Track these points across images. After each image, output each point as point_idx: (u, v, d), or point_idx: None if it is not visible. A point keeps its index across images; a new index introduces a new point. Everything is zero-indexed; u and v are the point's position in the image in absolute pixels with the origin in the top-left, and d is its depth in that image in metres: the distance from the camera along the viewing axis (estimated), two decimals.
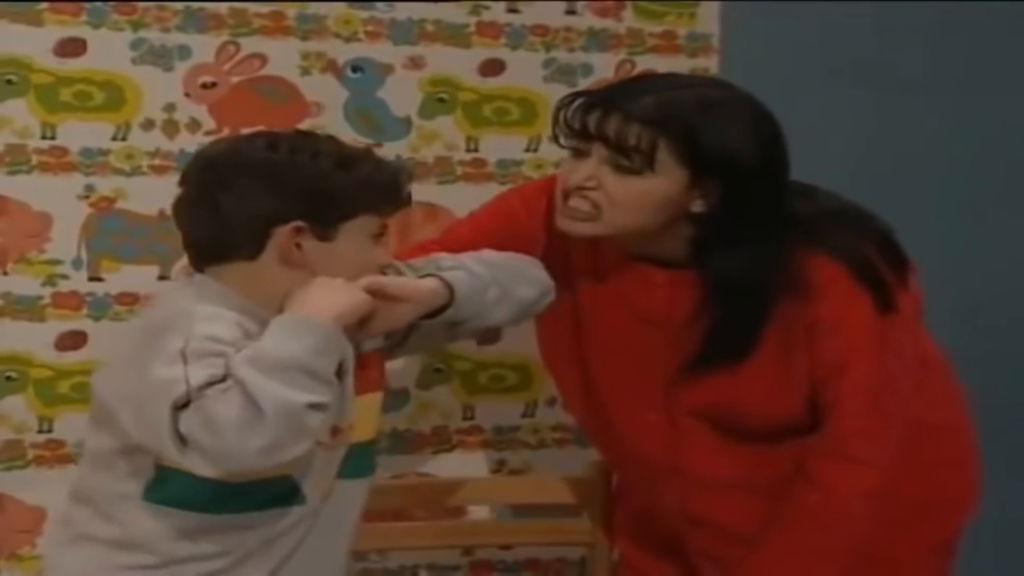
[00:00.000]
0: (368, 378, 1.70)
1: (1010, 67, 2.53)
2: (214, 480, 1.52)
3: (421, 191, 2.24)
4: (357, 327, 1.62)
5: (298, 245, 1.61)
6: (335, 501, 1.68)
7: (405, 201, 1.69)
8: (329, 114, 2.20)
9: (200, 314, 1.57)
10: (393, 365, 2.21)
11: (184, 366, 1.50)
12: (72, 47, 2.09)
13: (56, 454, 2.12)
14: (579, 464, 2.14)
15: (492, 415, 2.32)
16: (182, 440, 1.48)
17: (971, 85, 2.50)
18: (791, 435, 1.81)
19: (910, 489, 1.84)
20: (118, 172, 2.12)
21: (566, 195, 1.76)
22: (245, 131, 1.91)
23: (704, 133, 1.68)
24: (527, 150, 2.30)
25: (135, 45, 2.11)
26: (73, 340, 2.12)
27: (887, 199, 1.86)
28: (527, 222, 1.88)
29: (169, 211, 2.10)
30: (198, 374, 1.49)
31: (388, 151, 2.21)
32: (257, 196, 1.59)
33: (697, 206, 1.73)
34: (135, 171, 2.13)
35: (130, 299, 2.14)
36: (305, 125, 2.18)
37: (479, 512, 2.29)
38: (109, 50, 2.10)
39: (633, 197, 1.71)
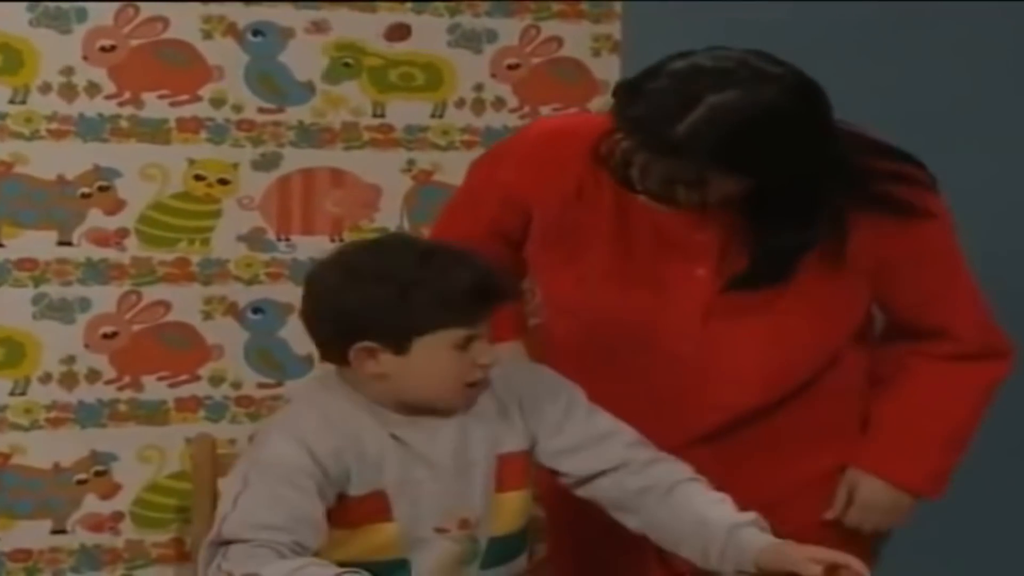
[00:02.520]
0: (511, 477, 1.77)
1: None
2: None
3: (327, 157, 2.26)
4: None
5: (372, 360, 1.70)
6: None
7: (480, 313, 1.71)
8: (230, 78, 2.18)
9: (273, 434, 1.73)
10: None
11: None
12: None
13: None
14: None
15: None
16: None
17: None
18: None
19: (802, 414, 1.89)
20: (17, 136, 2.10)
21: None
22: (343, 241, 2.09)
23: (742, 153, 1.66)
24: (433, 115, 2.30)
25: (32, 7, 2.08)
26: None
27: None
28: (529, 192, 1.89)
29: (69, 176, 2.13)
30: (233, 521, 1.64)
31: (291, 116, 2.22)
32: (331, 320, 1.72)
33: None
34: (34, 135, 2.11)
35: (30, 264, 2.12)
36: (207, 90, 2.17)
37: None
38: (6, 12, 2.07)
39: (715, 198, 1.72)
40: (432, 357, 1.70)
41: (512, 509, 1.78)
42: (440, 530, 1.72)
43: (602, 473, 1.80)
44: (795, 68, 1.71)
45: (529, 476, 1.81)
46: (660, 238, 1.83)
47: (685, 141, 1.64)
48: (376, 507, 1.70)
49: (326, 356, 1.78)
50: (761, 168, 1.69)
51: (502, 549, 1.78)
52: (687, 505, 1.75)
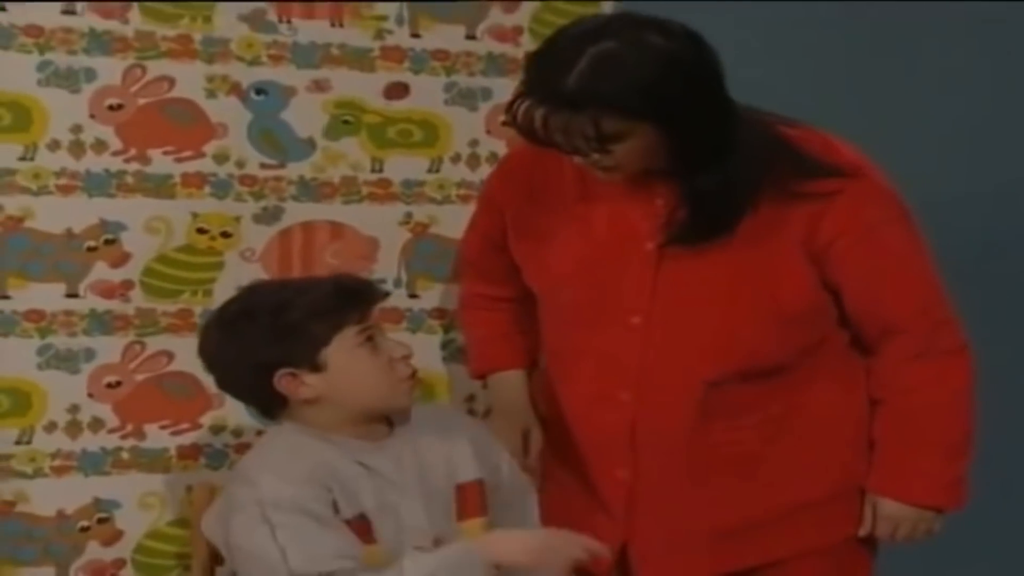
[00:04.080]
0: (469, 506, 1.88)
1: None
2: None
3: (327, 210, 2.31)
4: None
5: (301, 384, 1.79)
6: None
7: (356, 308, 1.82)
8: (233, 135, 2.24)
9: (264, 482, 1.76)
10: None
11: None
12: None
13: None
14: None
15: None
16: None
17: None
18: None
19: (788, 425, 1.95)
20: (25, 191, 2.15)
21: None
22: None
23: (625, 96, 1.74)
24: (430, 171, 2.36)
25: (41, 67, 2.15)
26: None
27: None
28: (502, 195, 2.07)
29: (76, 229, 2.18)
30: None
31: (292, 171, 2.28)
32: (238, 370, 1.84)
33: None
34: (42, 190, 2.16)
35: (37, 316, 2.16)
36: (210, 146, 2.23)
37: None
38: (15, 72, 2.13)
39: (634, 156, 1.81)
40: (348, 363, 1.80)
41: (473, 537, 1.84)
42: (418, 550, 1.78)
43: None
44: (674, 20, 1.80)
45: (486, 504, 1.89)
46: (615, 218, 1.93)
47: (576, 90, 1.74)
48: (361, 530, 1.77)
49: (263, 407, 1.87)
50: (655, 109, 1.76)
51: None
52: None
